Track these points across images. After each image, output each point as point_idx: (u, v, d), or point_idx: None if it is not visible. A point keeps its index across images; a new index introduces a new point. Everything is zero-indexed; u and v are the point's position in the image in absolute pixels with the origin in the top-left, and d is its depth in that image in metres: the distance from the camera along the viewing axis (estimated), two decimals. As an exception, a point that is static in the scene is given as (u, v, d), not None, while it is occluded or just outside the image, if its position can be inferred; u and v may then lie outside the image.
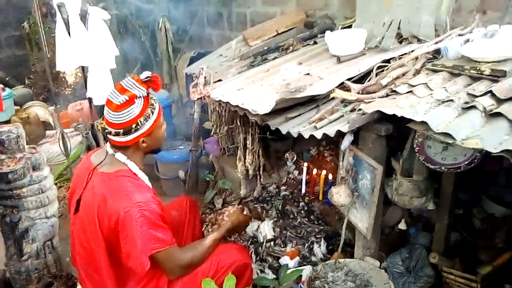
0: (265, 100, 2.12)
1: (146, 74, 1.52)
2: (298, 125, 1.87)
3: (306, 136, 1.73)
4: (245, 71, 2.82)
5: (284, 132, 1.88)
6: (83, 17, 2.17)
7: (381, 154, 1.74)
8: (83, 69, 2.43)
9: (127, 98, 1.47)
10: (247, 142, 2.55)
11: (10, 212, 2.27)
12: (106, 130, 1.55)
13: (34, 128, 3.94)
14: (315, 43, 2.82)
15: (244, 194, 2.70)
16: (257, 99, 2.17)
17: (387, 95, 1.69)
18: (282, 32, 3.28)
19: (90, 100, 2.48)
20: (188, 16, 4.56)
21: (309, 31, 3.08)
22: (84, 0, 2.17)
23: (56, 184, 2.64)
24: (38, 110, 4.33)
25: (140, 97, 1.50)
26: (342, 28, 2.76)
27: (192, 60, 3.81)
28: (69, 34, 2.17)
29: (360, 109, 1.64)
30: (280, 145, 2.72)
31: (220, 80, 2.76)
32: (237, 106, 2.18)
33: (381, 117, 1.59)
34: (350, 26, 2.74)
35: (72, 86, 4.84)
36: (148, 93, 1.54)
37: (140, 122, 1.51)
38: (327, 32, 2.51)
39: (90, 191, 1.57)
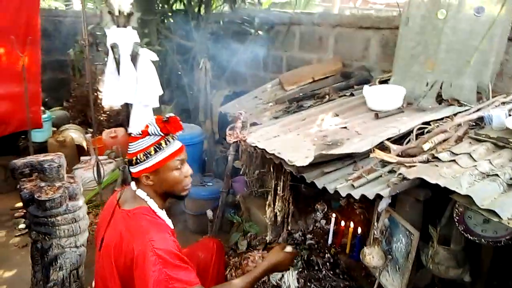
0: (302, 151, 2.15)
1: (168, 115, 1.59)
2: (334, 181, 1.88)
3: (343, 194, 1.73)
4: (280, 116, 2.87)
5: (320, 187, 1.89)
6: (133, 57, 2.28)
7: (418, 218, 1.72)
8: (127, 105, 2.53)
9: (141, 133, 1.57)
10: (278, 188, 2.55)
11: (42, 238, 2.32)
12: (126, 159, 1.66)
13: (69, 152, 4.06)
14: (352, 94, 2.85)
15: (270, 240, 2.68)
16: (293, 149, 2.19)
17: (428, 161, 1.68)
18: (318, 80, 3.34)
19: (129, 135, 2.55)
20: (226, 55, 4.71)
21: (345, 81, 3.13)
22: (135, 42, 2.29)
23: (86, 210, 2.69)
24: (74, 133, 4.48)
25: (153, 134, 1.57)
26: (379, 82, 2.80)
27: (227, 98, 3.90)
28: (118, 72, 2.27)
29: (400, 173, 1.63)
30: (310, 192, 2.71)
31: (255, 123, 2.82)
32: (272, 154, 2.21)
33: (421, 182, 1.59)
34: (387, 80, 2.78)
35: (108, 113, 5.00)
36: (165, 134, 1.58)
37: (140, 156, 1.57)
38: (366, 87, 2.54)
39: (111, 228, 1.60)
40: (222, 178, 3.58)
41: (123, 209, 1.60)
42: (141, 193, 1.62)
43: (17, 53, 3.28)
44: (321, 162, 2.07)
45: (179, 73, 4.40)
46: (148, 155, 1.56)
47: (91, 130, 4.93)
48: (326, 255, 2.59)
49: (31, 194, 2.27)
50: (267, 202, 2.57)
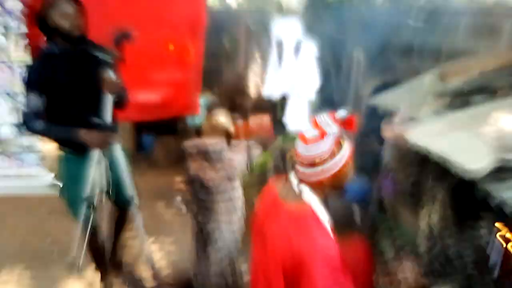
0: (474, 153, 1.93)
1: (341, 113, 1.51)
2: (518, 192, 1.63)
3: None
4: (442, 112, 2.62)
5: (499, 198, 1.66)
6: (296, 50, 2.32)
7: None
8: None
9: (317, 134, 1.49)
10: (437, 193, 2.35)
11: (202, 213, 2.56)
12: (294, 160, 1.60)
13: (219, 136, 4.39)
14: (536, 91, 2.45)
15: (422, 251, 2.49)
16: (463, 151, 1.98)
17: None
18: (488, 72, 2.94)
19: (284, 125, 2.63)
20: (376, 43, 4.49)
21: (526, 75, 2.70)
22: (298, 36, 2.33)
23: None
24: (223, 118, 4.82)
25: (330, 134, 1.50)
26: None
27: (376, 90, 3.73)
28: (280, 64, 2.34)
29: None
30: (474, 200, 2.42)
31: (412, 119, 2.62)
32: (438, 155, 2.02)
33: None
34: None
35: (253, 99, 5.26)
36: (340, 132, 1.51)
37: (324, 159, 1.51)
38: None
39: (274, 224, 1.59)
40: (367, 173, 3.46)
41: (287, 206, 1.59)
42: (305, 190, 1.57)
43: (185, 45, 3.63)
44: (498, 169, 1.83)
45: (327, 62, 4.36)
46: (332, 157, 1.52)
47: (237, 115, 5.26)
48: (489, 276, 2.29)
49: (196, 173, 2.51)
50: (423, 209, 2.38)
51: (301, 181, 1.60)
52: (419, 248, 2.44)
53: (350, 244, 2.16)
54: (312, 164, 1.52)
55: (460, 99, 2.72)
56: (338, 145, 1.51)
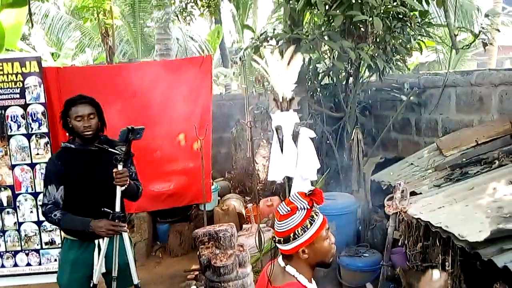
0: (473, 224, 1.99)
1: (311, 188, 1.59)
2: (519, 261, 1.67)
3: (533, 277, 1.52)
4: (442, 184, 2.71)
5: (500, 265, 1.70)
6: (294, 136, 2.51)
7: None
8: (288, 178, 2.74)
9: (289, 210, 1.55)
10: (446, 264, 2.35)
11: (217, 302, 2.57)
12: (274, 238, 1.67)
13: (231, 220, 4.48)
14: (528, 159, 2.55)
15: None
16: (463, 222, 2.04)
17: None
18: (483, 143, 3.08)
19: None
20: (375, 122, 4.73)
21: (518, 144, 2.82)
22: (295, 122, 2.54)
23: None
24: (235, 202, 4.94)
25: (302, 209, 1.55)
26: None
27: (378, 166, 3.86)
28: (281, 150, 2.53)
29: None
30: (486, 268, 2.41)
31: (414, 193, 2.71)
32: (439, 228, 2.09)
33: None
34: None
35: (263, 182, 5.40)
36: (311, 206, 1.58)
37: (298, 232, 1.54)
38: (546, 150, 2.26)
39: None
40: (378, 249, 3.46)
41: (274, 286, 1.60)
42: (290, 269, 1.60)
43: (195, 136, 3.89)
44: (499, 238, 1.88)
45: (328, 142, 4.57)
46: (306, 229, 1.57)
47: (248, 198, 5.37)
48: None
49: (208, 260, 2.58)
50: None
51: (287, 262, 1.61)
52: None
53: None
54: (288, 240, 1.55)
55: (459, 171, 2.82)
56: (310, 217, 1.56)
